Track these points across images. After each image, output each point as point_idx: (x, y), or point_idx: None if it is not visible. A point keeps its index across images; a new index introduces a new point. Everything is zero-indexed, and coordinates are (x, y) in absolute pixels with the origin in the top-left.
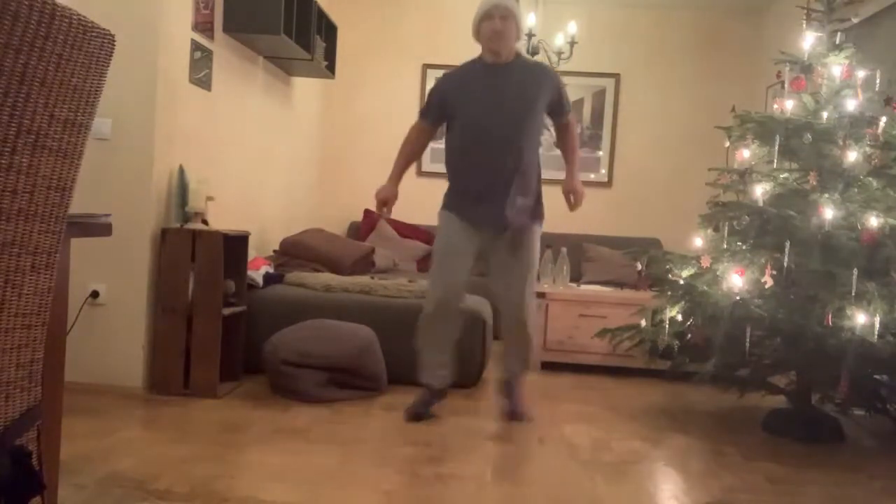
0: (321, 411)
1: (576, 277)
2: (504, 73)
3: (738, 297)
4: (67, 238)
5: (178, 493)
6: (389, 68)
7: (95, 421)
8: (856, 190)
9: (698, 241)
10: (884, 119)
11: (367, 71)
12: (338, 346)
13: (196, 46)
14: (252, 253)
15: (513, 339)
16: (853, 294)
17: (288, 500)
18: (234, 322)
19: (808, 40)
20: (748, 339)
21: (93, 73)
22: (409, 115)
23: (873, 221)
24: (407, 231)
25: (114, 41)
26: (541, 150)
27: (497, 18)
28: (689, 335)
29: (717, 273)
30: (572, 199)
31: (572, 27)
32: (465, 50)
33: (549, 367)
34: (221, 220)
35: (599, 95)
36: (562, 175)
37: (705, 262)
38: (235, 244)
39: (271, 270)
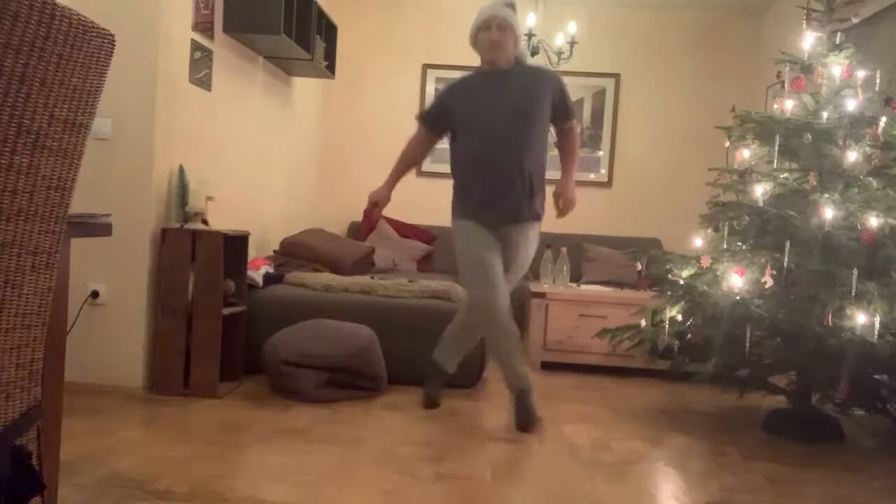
0: (321, 411)
1: (576, 277)
2: (504, 79)
3: (738, 297)
4: (67, 238)
5: (178, 493)
6: (389, 68)
7: (95, 421)
8: (856, 190)
9: (698, 241)
10: (884, 119)
11: (367, 71)
12: (338, 346)
13: (196, 46)
14: (252, 253)
15: (494, 342)
16: (853, 294)
17: (288, 500)
18: (234, 322)
19: (808, 40)
20: (748, 339)
21: (93, 73)
22: (409, 115)
23: (873, 221)
24: (407, 231)
25: (114, 41)
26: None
27: (494, 29)
28: (689, 335)
29: (717, 273)
30: (561, 203)
31: (572, 27)
32: (466, 50)
33: (549, 367)
34: (221, 220)
35: (599, 95)
36: (577, 176)
37: (705, 262)
38: (235, 244)
39: (271, 270)
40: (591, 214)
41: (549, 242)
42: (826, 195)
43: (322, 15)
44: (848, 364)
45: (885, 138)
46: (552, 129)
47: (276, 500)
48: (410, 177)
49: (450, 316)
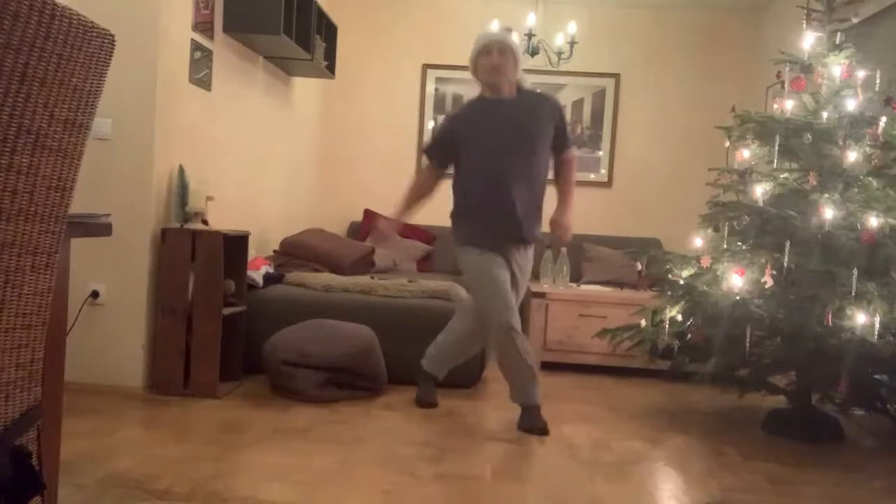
0: (321, 411)
1: (576, 277)
2: (508, 106)
3: (738, 297)
4: (67, 238)
5: (178, 493)
6: (389, 68)
7: (95, 421)
8: (856, 190)
9: (698, 241)
10: (884, 119)
11: (367, 71)
12: (338, 346)
13: (196, 46)
14: (252, 253)
15: (511, 362)
16: (853, 294)
17: (288, 500)
18: (234, 322)
19: (808, 40)
20: (748, 339)
21: (93, 73)
22: (409, 115)
23: (873, 221)
24: (407, 231)
25: (114, 41)
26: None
27: (495, 53)
28: (689, 335)
29: (717, 273)
30: (560, 231)
31: (572, 27)
32: (466, 50)
33: (549, 367)
34: (221, 220)
35: (599, 95)
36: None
37: (705, 262)
38: (235, 244)
39: (271, 270)
40: (591, 214)
41: (549, 242)
42: (826, 195)
43: (322, 15)
44: (848, 364)
45: (885, 138)
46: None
47: (276, 500)
48: (410, 177)
49: (450, 316)
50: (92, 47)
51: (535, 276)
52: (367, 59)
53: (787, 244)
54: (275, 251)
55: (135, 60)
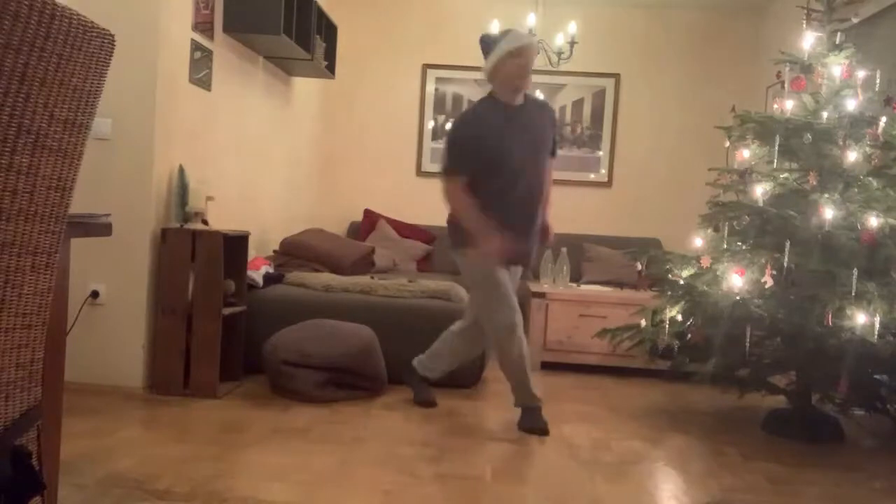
0: (321, 411)
1: (576, 277)
2: (523, 112)
3: (738, 297)
4: (67, 238)
5: (178, 493)
6: (389, 68)
7: (95, 421)
8: (856, 190)
9: (698, 241)
10: (884, 119)
11: (367, 71)
12: (338, 346)
13: (196, 46)
14: (252, 253)
15: (513, 362)
16: (853, 294)
17: (288, 500)
18: (234, 322)
19: (808, 40)
20: (748, 339)
21: (93, 73)
22: (409, 115)
23: (873, 221)
24: (407, 231)
25: (114, 41)
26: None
27: (525, 56)
28: (689, 335)
29: (717, 273)
30: (544, 235)
31: (572, 27)
32: (465, 50)
33: (549, 367)
34: (221, 220)
35: (599, 95)
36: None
37: (705, 262)
38: (235, 244)
39: (271, 270)
40: (591, 214)
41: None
42: (826, 195)
43: (322, 15)
44: (848, 364)
45: (885, 138)
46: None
47: (276, 500)
48: (410, 177)
49: (450, 316)
50: (92, 47)
51: (536, 276)
52: (367, 59)
53: (787, 244)
54: (275, 251)
55: (135, 60)
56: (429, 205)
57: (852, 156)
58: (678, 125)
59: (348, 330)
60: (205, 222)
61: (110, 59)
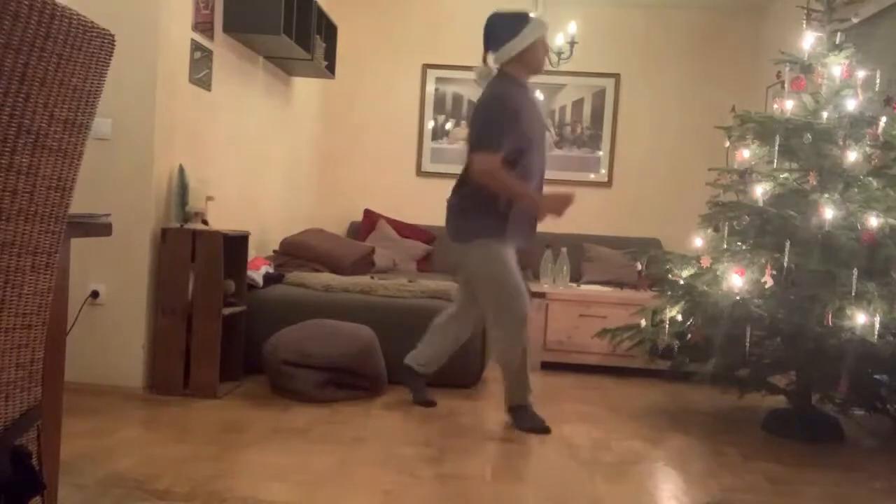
0: (321, 411)
1: (576, 277)
2: (533, 96)
3: (738, 297)
4: (67, 238)
5: (178, 493)
6: (389, 68)
7: (95, 421)
8: (856, 190)
9: (698, 241)
10: (884, 119)
11: (367, 71)
12: (338, 346)
13: (196, 46)
14: (252, 253)
15: (518, 353)
16: (853, 294)
17: (288, 500)
18: (234, 322)
19: (808, 40)
20: (748, 339)
21: (93, 73)
22: (409, 115)
23: (873, 221)
24: (407, 231)
25: (114, 41)
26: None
27: (547, 39)
28: (689, 335)
29: (717, 273)
30: None
31: (572, 27)
32: (465, 50)
33: (549, 367)
34: (221, 220)
35: (599, 95)
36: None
37: (705, 262)
38: (235, 244)
39: (271, 270)
40: (591, 214)
41: (549, 242)
42: (826, 195)
43: (322, 15)
44: (848, 364)
45: (885, 138)
46: (553, 132)
47: (276, 500)
48: (410, 177)
49: None
50: (92, 47)
51: (536, 275)
52: (367, 59)
53: (787, 244)
54: (275, 251)
55: (135, 60)
56: (429, 205)
57: (852, 156)
58: (678, 125)
59: (348, 330)
60: (205, 222)
61: (110, 59)
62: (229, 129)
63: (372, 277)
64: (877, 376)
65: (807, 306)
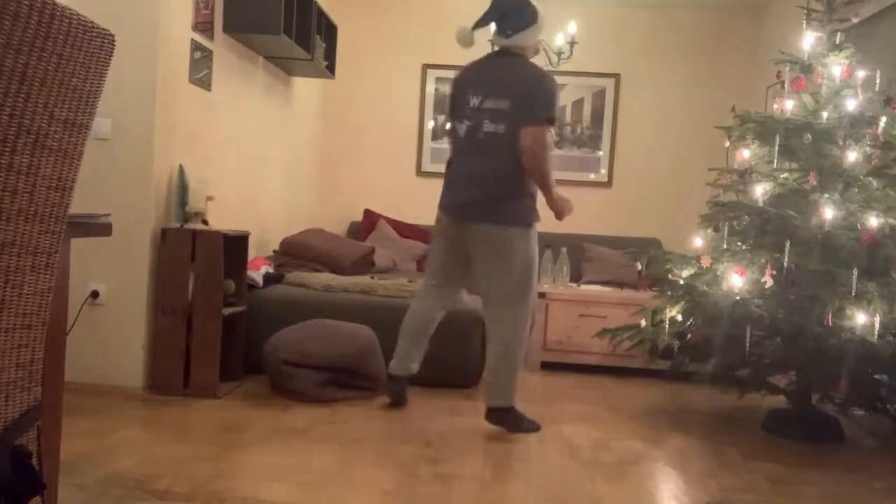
0: (321, 411)
1: (576, 277)
2: None
3: (738, 297)
4: (67, 238)
5: (178, 493)
6: (389, 68)
7: (95, 421)
8: (856, 190)
9: (698, 241)
10: (884, 119)
11: (367, 71)
12: (338, 346)
13: (196, 46)
14: (252, 253)
15: (520, 345)
16: (853, 294)
17: (288, 500)
18: (234, 322)
19: (808, 40)
20: (748, 339)
21: (93, 73)
22: (409, 115)
23: (873, 221)
24: (407, 231)
25: (114, 41)
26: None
27: None
28: (689, 335)
29: (717, 273)
30: None
31: (572, 27)
32: (465, 50)
33: (549, 367)
34: (221, 220)
35: (599, 95)
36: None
37: (705, 262)
38: (235, 244)
39: (271, 270)
40: (591, 214)
41: (549, 242)
42: (826, 195)
43: (322, 15)
44: (848, 364)
45: (885, 138)
46: (553, 132)
47: (276, 500)
48: (410, 177)
49: (449, 316)
50: (92, 47)
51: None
52: (367, 59)
53: (787, 244)
54: (275, 251)
55: (135, 60)
56: (429, 205)
57: (852, 156)
58: (678, 125)
59: (348, 330)
60: (205, 222)
61: (110, 59)
62: (229, 129)
63: (372, 277)
64: (877, 376)
65: (807, 306)
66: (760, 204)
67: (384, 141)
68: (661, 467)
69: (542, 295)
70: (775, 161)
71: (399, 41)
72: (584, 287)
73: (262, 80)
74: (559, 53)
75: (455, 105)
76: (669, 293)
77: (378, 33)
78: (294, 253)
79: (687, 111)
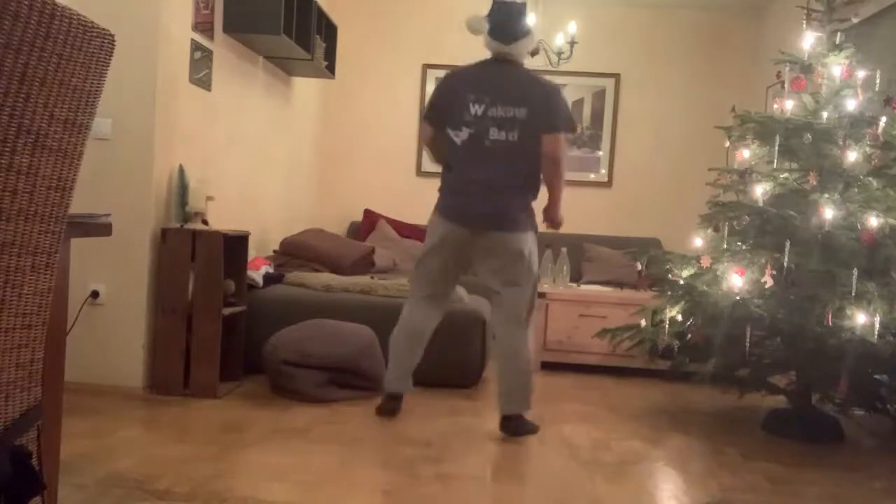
0: (321, 411)
1: (576, 277)
2: None
3: (738, 297)
4: (67, 238)
5: (178, 493)
6: (389, 68)
7: (95, 421)
8: (856, 190)
9: (698, 241)
10: (884, 119)
11: (367, 71)
12: (338, 346)
13: (196, 46)
14: (252, 253)
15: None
16: (853, 294)
17: (288, 500)
18: (234, 322)
19: (808, 40)
20: (748, 339)
21: (93, 73)
22: (409, 115)
23: (873, 221)
24: (407, 231)
25: (114, 41)
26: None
27: None
28: (689, 335)
29: (717, 273)
30: None
31: (572, 27)
32: (466, 50)
33: (549, 367)
34: (221, 220)
35: (599, 95)
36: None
37: (705, 262)
38: (235, 244)
39: (271, 270)
40: (591, 214)
41: (549, 242)
42: (826, 195)
43: (322, 15)
44: (848, 364)
45: (885, 138)
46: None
47: (276, 500)
48: (410, 177)
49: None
50: (92, 47)
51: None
52: (367, 59)
53: (787, 244)
54: (275, 251)
55: (135, 60)
56: (429, 205)
57: (852, 156)
58: (678, 125)
59: (348, 330)
60: (205, 222)
61: (110, 59)
62: (229, 129)
63: (372, 277)
64: (877, 376)
65: (807, 306)
66: (760, 204)
67: (384, 141)
68: (661, 467)
69: (542, 295)
70: (775, 161)
71: (399, 41)
72: (584, 287)
73: (262, 80)
74: (559, 53)
75: (450, 111)
76: (669, 293)
77: (378, 33)
78: (294, 253)
79: (687, 111)
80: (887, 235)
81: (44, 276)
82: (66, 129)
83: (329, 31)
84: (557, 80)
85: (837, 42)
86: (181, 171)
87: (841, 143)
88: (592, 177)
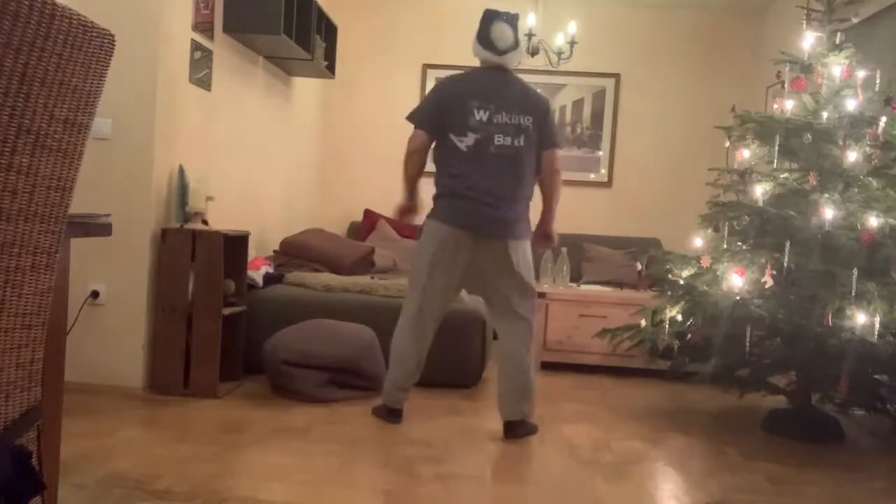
0: (321, 411)
1: (576, 277)
2: None
3: (738, 297)
4: (67, 238)
5: (178, 493)
6: (389, 68)
7: (95, 421)
8: (856, 190)
9: (698, 241)
10: (884, 119)
11: (367, 71)
12: (338, 346)
13: (196, 46)
14: (252, 253)
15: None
16: (853, 294)
17: (288, 500)
18: (234, 322)
19: (808, 40)
20: (748, 339)
21: (93, 73)
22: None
23: (873, 221)
24: (407, 231)
25: (114, 41)
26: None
27: None
28: (689, 335)
29: (717, 273)
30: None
31: (572, 27)
32: (466, 50)
33: (549, 367)
34: (221, 220)
35: (599, 95)
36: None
37: (705, 262)
38: (235, 244)
39: (271, 270)
40: (591, 214)
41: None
42: (826, 195)
43: (322, 15)
44: (848, 364)
45: (885, 138)
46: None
47: (276, 500)
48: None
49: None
50: (92, 47)
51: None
52: (367, 59)
53: (787, 244)
54: (275, 251)
55: (135, 60)
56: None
57: (852, 156)
58: (678, 125)
59: (348, 330)
60: (205, 222)
61: (110, 59)
62: (229, 129)
63: (372, 277)
64: (877, 376)
65: (807, 306)
66: (760, 204)
67: (384, 140)
68: (661, 467)
69: (542, 295)
70: (775, 161)
71: (399, 41)
72: (584, 287)
73: (262, 80)
74: (559, 53)
75: (452, 117)
76: (669, 293)
77: (378, 33)
78: (294, 253)
79: (687, 111)
80: (887, 235)
81: (44, 276)
82: (66, 129)
83: (329, 30)
84: (557, 80)
85: (837, 42)
86: (181, 171)
87: (841, 143)
88: (592, 177)
